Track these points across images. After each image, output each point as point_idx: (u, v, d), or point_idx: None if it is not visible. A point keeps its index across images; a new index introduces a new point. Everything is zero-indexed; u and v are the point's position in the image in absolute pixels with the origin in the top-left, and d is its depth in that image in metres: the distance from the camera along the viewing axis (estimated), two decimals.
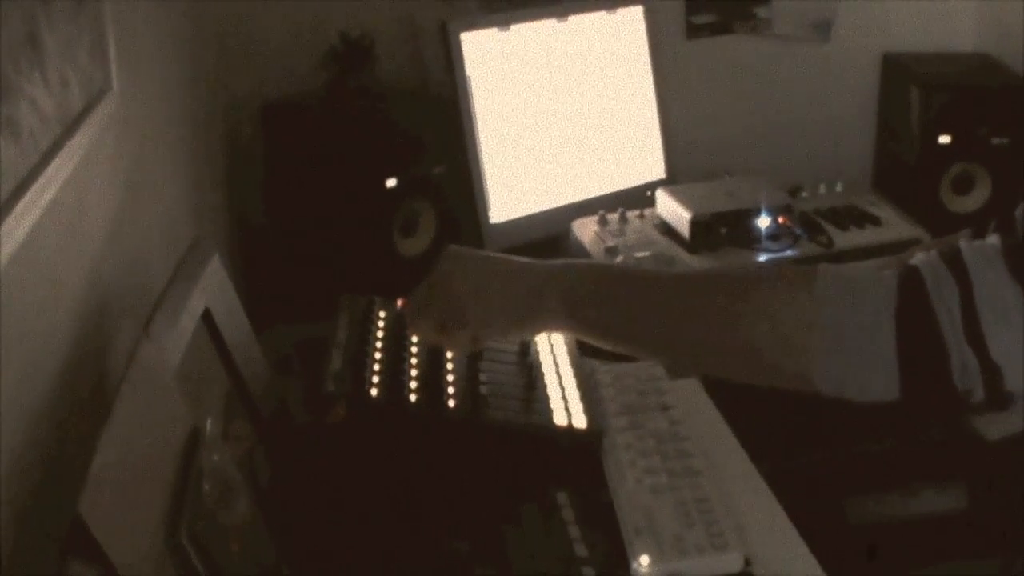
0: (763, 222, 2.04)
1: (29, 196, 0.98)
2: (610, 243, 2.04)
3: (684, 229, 2.04)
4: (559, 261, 1.24)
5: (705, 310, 1.13)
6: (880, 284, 1.05)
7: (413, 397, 1.39)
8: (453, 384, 1.42)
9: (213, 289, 1.37)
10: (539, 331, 1.43)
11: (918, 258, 1.06)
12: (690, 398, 1.56)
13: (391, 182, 1.99)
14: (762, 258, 2.01)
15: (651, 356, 1.27)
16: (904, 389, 1.03)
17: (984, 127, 2.29)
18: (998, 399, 1.02)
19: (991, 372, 1.01)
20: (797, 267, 1.12)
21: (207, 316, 1.34)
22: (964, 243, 1.05)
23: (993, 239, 1.04)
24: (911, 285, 1.03)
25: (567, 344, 1.56)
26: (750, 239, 2.04)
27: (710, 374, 1.24)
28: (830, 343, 1.04)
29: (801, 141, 2.54)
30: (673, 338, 1.16)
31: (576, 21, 2.26)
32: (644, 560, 1.22)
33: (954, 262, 1.03)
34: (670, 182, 2.30)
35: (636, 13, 2.34)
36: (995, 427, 2.04)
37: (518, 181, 2.18)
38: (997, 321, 1.00)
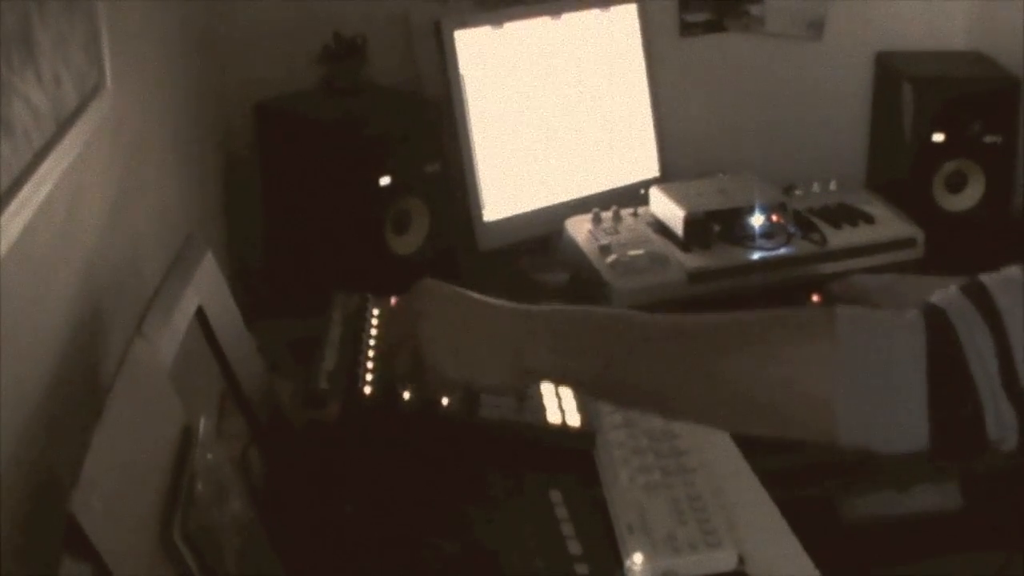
0: (757, 220, 2.05)
1: (23, 194, 0.98)
2: (604, 241, 2.04)
3: (678, 227, 2.04)
4: (539, 308, 1.13)
5: (711, 363, 1.03)
6: (906, 327, 0.96)
7: (406, 395, 1.39)
8: None
9: (207, 287, 1.37)
10: (517, 386, 1.22)
11: (939, 297, 0.98)
12: None
13: (384, 180, 1.99)
14: (755, 256, 2.01)
15: (651, 411, 1.18)
16: (934, 440, 0.96)
17: (977, 125, 2.30)
18: None
19: None
20: (811, 310, 1.04)
21: (200, 314, 1.33)
22: (987, 279, 0.97)
23: (1015, 271, 0.96)
24: (939, 330, 0.95)
25: None
26: (744, 237, 2.04)
27: (725, 431, 1.16)
28: (854, 391, 0.96)
29: (794, 139, 2.54)
30: (676, 395, 1.06)
31: (570, 19, 2.26)
32: (637, 558, 1.22)
33: (983, 304, 0.95)
34: (664, 180, 2.30)
35: (630, 11, 2.34)
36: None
37: (511, 179, 2.18)
38: None
